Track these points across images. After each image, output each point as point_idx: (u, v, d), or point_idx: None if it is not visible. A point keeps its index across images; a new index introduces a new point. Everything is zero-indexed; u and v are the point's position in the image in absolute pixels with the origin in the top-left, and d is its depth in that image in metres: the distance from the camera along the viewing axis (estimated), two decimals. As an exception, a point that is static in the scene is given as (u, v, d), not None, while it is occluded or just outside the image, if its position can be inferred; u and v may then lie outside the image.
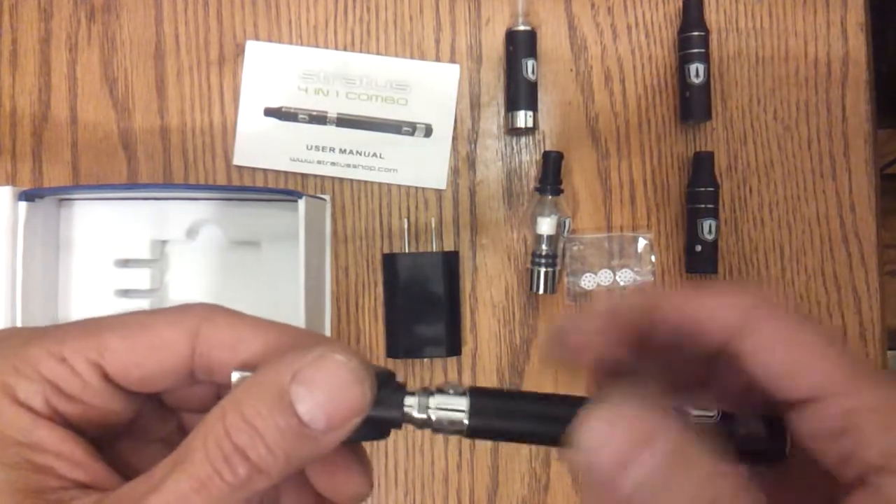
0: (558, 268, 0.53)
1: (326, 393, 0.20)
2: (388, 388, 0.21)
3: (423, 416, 0.21)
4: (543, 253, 0.52)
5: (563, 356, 0.23)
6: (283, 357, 0.21)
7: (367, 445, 0.55)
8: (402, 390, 0.21)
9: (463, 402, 0.21)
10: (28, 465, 0.20)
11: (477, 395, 0.21)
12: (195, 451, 0.19)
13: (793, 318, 0.21)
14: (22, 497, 0.19)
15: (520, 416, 0.21)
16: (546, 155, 0.53)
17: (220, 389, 0.24)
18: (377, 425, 0.21)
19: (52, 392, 0.21)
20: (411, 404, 0.21)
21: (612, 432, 0.18)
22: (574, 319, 0.24)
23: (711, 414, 0.22)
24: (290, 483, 0.24)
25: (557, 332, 0.24)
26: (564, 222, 0.53)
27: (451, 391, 0.21)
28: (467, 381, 0.54)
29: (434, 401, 0.21)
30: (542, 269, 0.52)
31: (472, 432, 0.21)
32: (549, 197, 0.52)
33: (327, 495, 0.24)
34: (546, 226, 0.52)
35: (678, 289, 0.23)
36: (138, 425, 0.24)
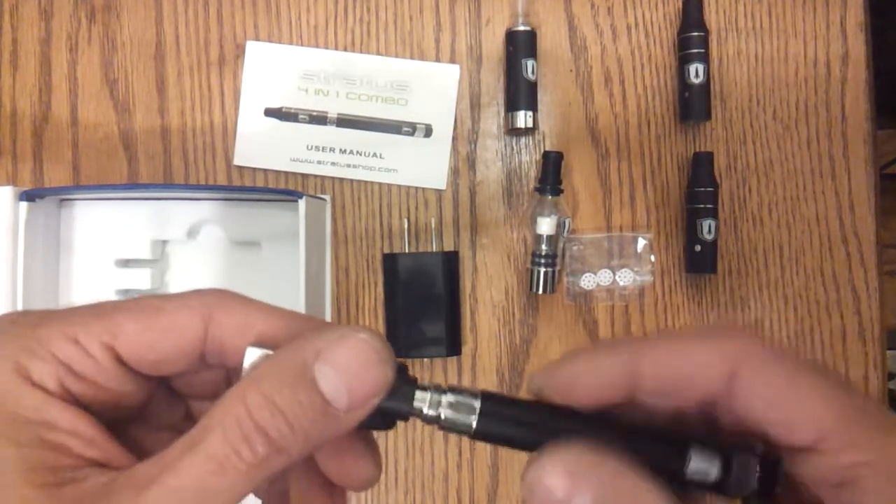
0: (558, 268, 0.53)
1: (350, 371, 0.20)
2: (400, 380, 0.21)
3: (434, 412, 0.21)
4: (543, 253, 0.52)
5: (550, 399, 0.23)
6: (304, 337, 0.21)
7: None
8: (413, 383, 0.22)
9: (475, 404, 0.21)
10: (42, 443, 0.19)
11: (489, 399, 0.22)
12: (212, 431, 0.19)
13: (786, 364, 0.21)
14: (36, 475, 0.19)
15: (527, 426, 0.21)
16: (546, 155, 0.53)
17: (231, 375, 0.24)
18: (386, 415, 0.21)
19: (65, 373, 0.21)
20: (423, 399, 0.21)
21: (549, 475, 0.19)
22: (554, 368, 0.23)
23: (711, 478, 0.21)
24: (300, 468, 0.24)
25: (541, 378, 0.23)
26: (564, 222, 0.53)
27: (464, 391, 0.22)
28: (467, 381, 0.54)
29: (446, 399, 0.21)
30: (542, 269, 0.52)
31: (478, 435, 0.22)
32: (549, 197, 0.53)
33: (336, 480, 0.23)
34: (546, 226, 0.52)
35: (660, 338, 0.22)
36: (148, 411, 0.24)
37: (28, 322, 0.21)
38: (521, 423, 0.21)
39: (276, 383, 0.19)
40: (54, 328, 0.21)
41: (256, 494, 0.24)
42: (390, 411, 0.21)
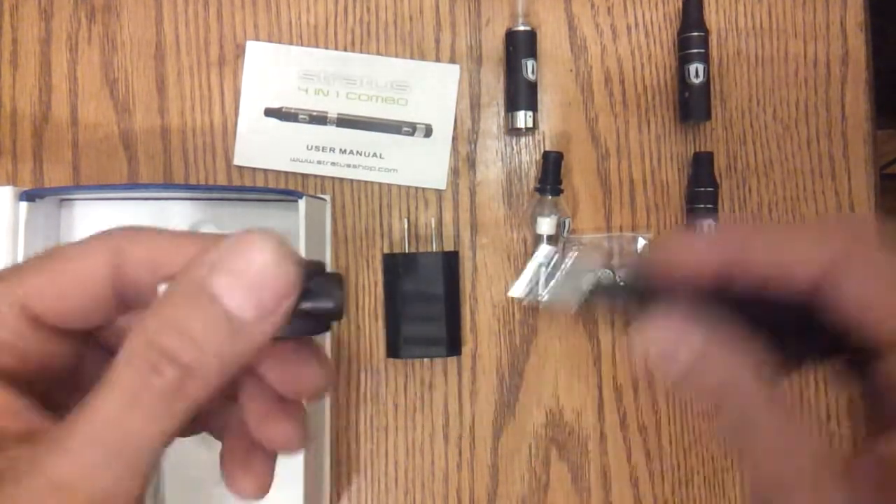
0: (558, 268, 0.53)
1: (249, 277, 0.19)
2: (321, 277, 0.20)
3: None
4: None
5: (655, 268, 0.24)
6: (200, 253, 0.19)
7: (367, 442, 0.55)
8: (336, 278, 0.21)
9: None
10: None
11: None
12: (121, 368, 0.18)
13: (889, 261, 0.21)
14: None
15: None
16: (546, 155, 0.53)
17: None
18: (314, 317, 0.20)
19: None
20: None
21: (660, 330, 0.22)
22: (666, 242, 0.24)
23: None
24: (249, 387, 0.23)
25: (653, 250, 0.24)
26: (564, 222, 0.53)
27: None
28: (467, 381, 0.54)
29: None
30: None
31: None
32: (549, 197, 0.53)
33: (287, 393, 0.22)
34: (546, 226, 0.52)
35: (764, 228, 0.23)
36: (81, 374, 0.23)
37: None
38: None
39: (176, 306, 0.18)
40: None
41: (212, 432, 0.24)
42: (317, 311, 0.20)
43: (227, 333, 0.18)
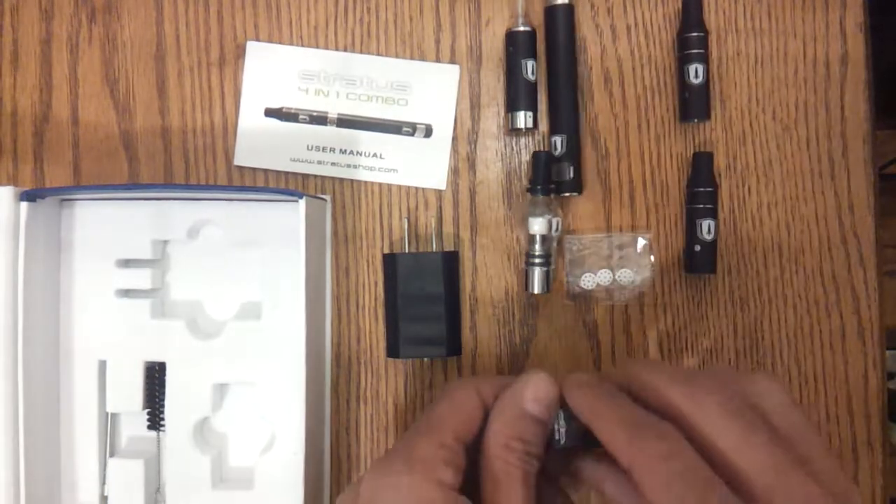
0: (552, 267, 0.53)
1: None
2: None
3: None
4: (537, 253, 0.52)
5: None
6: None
7: (367, 441, 0.55)
8: None
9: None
10: None
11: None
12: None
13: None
14: None
15: None
16: (536, 155, 0.53)
17: None
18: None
19: None
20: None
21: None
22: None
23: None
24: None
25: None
26: (554, 222, 0.53)
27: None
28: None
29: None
30: (536, 269, 0.52)
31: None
32: (541, 196, 0.53)
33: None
34: (538, 226, 0.52)
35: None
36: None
37: None
38: None
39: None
40: None
41: None
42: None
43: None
